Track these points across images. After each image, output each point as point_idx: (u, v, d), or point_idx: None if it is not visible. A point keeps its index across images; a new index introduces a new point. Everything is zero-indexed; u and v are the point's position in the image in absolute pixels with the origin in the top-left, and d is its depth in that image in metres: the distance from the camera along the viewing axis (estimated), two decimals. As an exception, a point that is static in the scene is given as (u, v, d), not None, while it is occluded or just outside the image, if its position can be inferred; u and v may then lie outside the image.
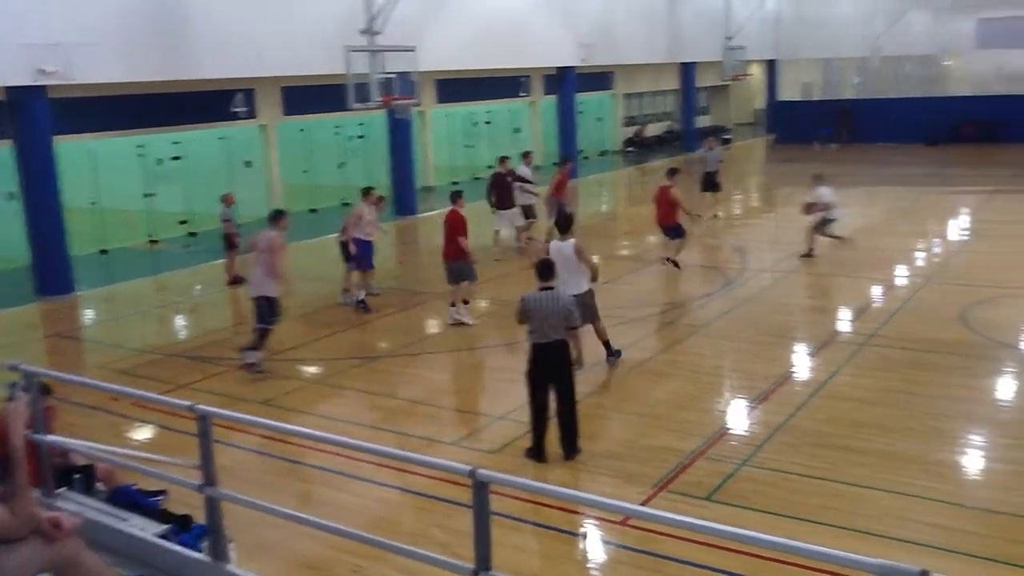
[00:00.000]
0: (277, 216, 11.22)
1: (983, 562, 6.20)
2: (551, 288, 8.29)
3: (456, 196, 13.28)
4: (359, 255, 13.88)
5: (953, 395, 9.44)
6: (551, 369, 8.12)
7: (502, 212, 17.48)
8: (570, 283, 10.05)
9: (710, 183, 21.35)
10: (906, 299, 13.23)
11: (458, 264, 12.83)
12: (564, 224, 10.71)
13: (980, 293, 13.12)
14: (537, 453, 8.20)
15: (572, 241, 10.28)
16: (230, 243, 15.82)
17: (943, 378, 9.93)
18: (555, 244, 10.39)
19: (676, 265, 15.09)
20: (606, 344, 10.65)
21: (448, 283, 13.10)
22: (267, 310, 10.93)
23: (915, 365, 10.24)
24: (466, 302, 13.13)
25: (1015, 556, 6.26)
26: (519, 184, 17.71)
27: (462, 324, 12.70)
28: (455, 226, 12.83)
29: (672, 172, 15.83)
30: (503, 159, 18.03)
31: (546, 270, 8.43)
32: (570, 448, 8.23)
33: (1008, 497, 7.14)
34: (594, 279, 10.45)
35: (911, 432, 8.43)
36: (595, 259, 11.01)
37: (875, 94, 37.00)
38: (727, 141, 39.99)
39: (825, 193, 15.76)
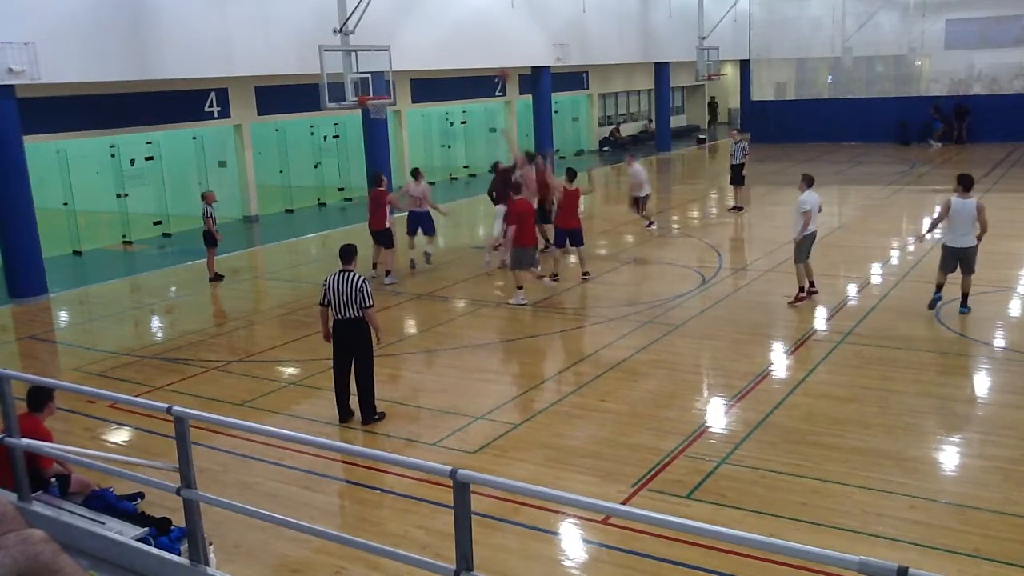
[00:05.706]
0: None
1: (960, 557, 6.26)
2: (349, 271, 9.04)
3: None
4: None
5: (928, 392, 9.53)
6: (347, 342, 9.06)
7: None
8: (964, 237, 11.75)
9: (736, 176, 21.47)
10: (881, 297, 13.35)
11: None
12: (968, 183, 11.82)
13: (953, 291, 13.24)
14: (340, 416, 9.25)
15: (975, 199, 11.72)
16: (212, 240, 15.80)
17: (918, 375, 10.02)
18: (958, 200, 11.66)
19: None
20: (964, 296, 12.00)
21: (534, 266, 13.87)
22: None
23: (890, 362, 10.33)
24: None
25: (991, 551, 6.33)
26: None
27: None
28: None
29: (572, 173, 15.00)
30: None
31: (347, 254, 9.18)
32: (366, 415, 9.20)
33: (983, 493, 7.21)
34: (979, 238, 11.78)
35: (887, 429, 8.50)
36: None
37: (847, 94, 37.34)
38: (702, 140, 40.24)
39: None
